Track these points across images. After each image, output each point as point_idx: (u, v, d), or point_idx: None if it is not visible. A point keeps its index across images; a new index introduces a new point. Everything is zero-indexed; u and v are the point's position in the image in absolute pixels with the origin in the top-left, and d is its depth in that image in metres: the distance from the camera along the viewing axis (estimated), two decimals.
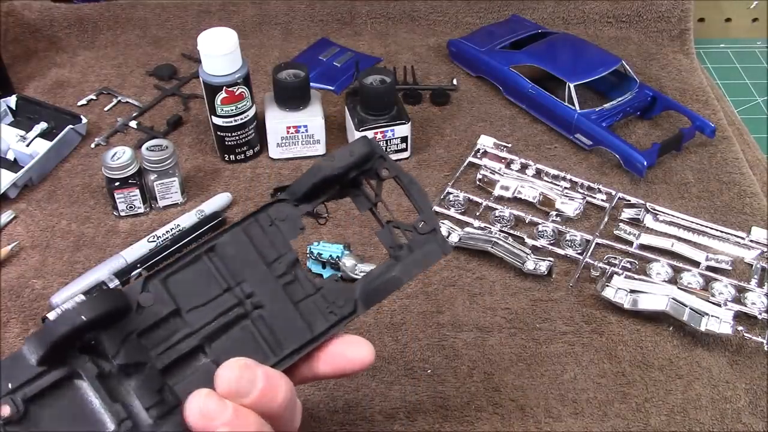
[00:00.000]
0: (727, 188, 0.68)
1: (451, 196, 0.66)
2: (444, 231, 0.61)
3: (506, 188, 0.66)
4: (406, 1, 0.90)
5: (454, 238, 0.61)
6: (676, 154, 0.71)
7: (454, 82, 0.81)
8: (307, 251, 0.58)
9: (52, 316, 0.55)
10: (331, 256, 0.57)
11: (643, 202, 0.65)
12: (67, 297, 0.56)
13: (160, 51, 0.86)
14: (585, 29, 0.89)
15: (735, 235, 0.62)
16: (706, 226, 0.62)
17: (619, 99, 0.74)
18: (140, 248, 0.61)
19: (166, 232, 0.62)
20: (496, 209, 0.64)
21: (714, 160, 0.71)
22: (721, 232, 0.62)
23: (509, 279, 0.59)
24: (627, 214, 0.64)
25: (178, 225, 0.63)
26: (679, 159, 0.71)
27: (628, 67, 0.75)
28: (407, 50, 0.86)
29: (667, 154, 0.70)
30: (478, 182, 0.67)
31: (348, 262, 0.58)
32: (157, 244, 0.61)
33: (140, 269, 0.59)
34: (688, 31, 0.89)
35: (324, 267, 0.59)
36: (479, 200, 0.65)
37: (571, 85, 0.71)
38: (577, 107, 0.71)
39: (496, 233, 0.61)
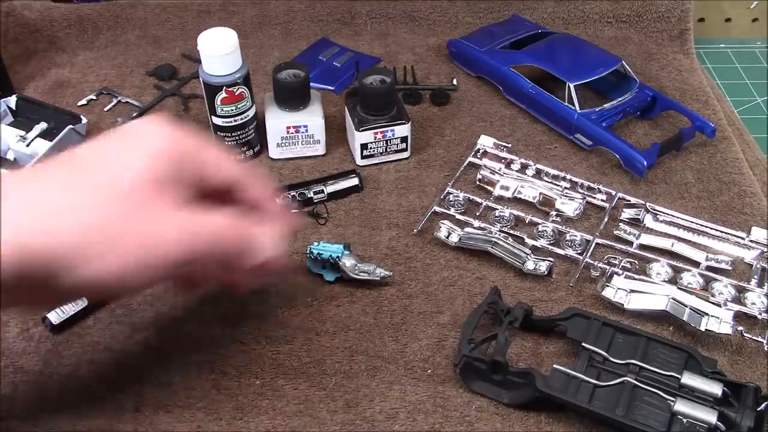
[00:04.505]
0: (727, 188, 0.68)
1: (451, 196, 0.66)
2: (444, 231, 0.61)
3: (506, 188, 0.66)
4: (406, 1, 0.90)
5: (454, 239, 0.61)
6: (676, 154, 0.71)
7: (454, 82, 0.81)
8: (307, 251, 0.58)
9: (52, 316, 0.55)
10: (331, 256, 0.57)
11: (643, 202, 0.65)
12: None
13: (160, 51, 0.86)
14: (585, 29, 0.89)
15: (735, 235, 0.62)
16: (706, 226, 0.62)
17: (619, 99, 0.73)
18: None
19: None
20: (496, 209, 0.64)
21: (714, 160, 0.71)
22: (721, 232, 0.62)
23: (509, 279, 0.59)
24: (627, 214, 0.64)
25: None
26: (679, 159, 0.71)
27: (628, 67, 0.75)
28: (407, 50, 0.86)
29: (667, 154, 0.70)
30: (478, 182, 0.67)
31: (348, 262, 0.58)
32: None
33: None
34: (688, 31, 0.89)
35: (324, 267, 0.58)
36: (479, 200, 0.65)
37: (571, 85, 0.71)
38: (577, 107, 0.71)
39: (496, 233, 0.61)
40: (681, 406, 0.47)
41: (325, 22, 0.90)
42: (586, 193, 0.66)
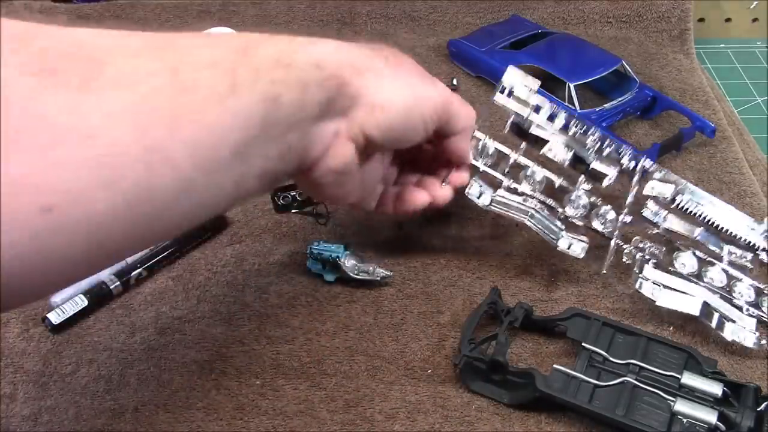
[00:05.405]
0: (727, 188, 0.68)
1: (480, 143, 0.59)
2: (475, 189, 0.58)
3: (536, 141, 0.59)
4: (406, 1, 0.90)
5: (485, 200, 0.58)
6: (676, 154, 0.71)
7: (454, 82, 0.81)
8: (307, 251, 0.58)
9: (52, 316, 0.55)
10: (330, 256, 0.57)
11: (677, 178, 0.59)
12: (67, 297, 0.56)
13: None
14: (585, 29, 0.89)
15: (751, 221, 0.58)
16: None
17: (619, 99, 0.74)
18: None
19: None
20: (527, 167, 0.59)
21: (714, 160, 0.71)
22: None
23: (509, 279, 0.59)
24: (656, 188, 0.58)
25: None
26: (679, 159, 0.71)
27: (628, 67, 0.75)
28: (407, 50, 0.85)
29: (667, 154, 0.70)
30: (508, 130, 0.60)
31: (348, 262, 0.58)
32: (158, 245, 0.61)
33: (140, 269, 0.59)
34: (688, 31, 0.89)
35: (324, 267, 0.58)
36: (507, 151, 0.59)
37: (571, 85, 0.71)
38: (577, 107, 0.71)
39: (531, 203, 0.57)
40: (681, 406, 0.47)
41: (325, 22, 0.90)
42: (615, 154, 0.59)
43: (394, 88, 0.44)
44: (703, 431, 0.46)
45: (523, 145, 0.60)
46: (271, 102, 0.37)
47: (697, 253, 0.58)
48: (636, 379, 0.49)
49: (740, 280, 0.57)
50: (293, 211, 0.65)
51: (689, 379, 0.49)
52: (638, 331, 0.52)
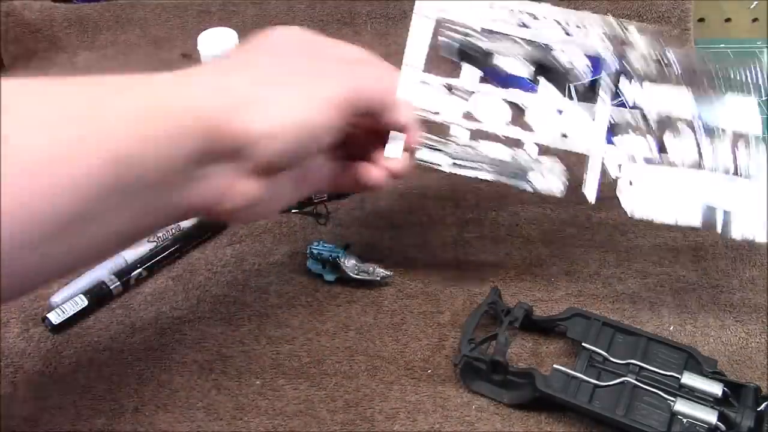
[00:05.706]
0: None
1: (423, 85, 0.51)
2: (426, 155, 0.50)
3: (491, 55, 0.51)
4: (406, 1, 0.90)
5: (443, 161, 0.50)
6: None
7: None
8: (307, 251, 0.58)
9: (52, 316, 0.55)
10: (330, 256, 0.57)
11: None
12: (67, 297, 0.56)
13: (160, 51, 0.86)
14: None
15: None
16: None
17: (619, 99, 0.73)
18: (140, 248, 0.61)
19: (167, 231, 0.62)
20: (480, 94, 0.50)
21: None
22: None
23: (509, 279, 0.59)
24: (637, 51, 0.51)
25: (179, 225, 0.63)
26: None
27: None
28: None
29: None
30: (458, 58, 0.51)
31: (348, 262, 0.58)
32: (158, 244, 0.61)
33: (140, 269, 0.59)
34: (688, 31, 0.89)
35: (324, 267, 0.58)
36: (457, 83, 0.51)
37: (571, 86, 0.71)
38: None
39: (493, 147, 0.50)
40: (681, 406, 0.47)
41: (325, 22, 0.90)
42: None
43: (283, 107, 0.39)
44: (703, 431, 0.46)
45: (475, 72, 0.51)
46: (125, 161, 0.34)
47: (695, 126, 0.50)
48: (636, 379, 0.49)
49: (746, 146, 0.50)
50: (293, 211, 0.65)
51: (689, 379, 0.49)
52: (638, 331, 0.52)
